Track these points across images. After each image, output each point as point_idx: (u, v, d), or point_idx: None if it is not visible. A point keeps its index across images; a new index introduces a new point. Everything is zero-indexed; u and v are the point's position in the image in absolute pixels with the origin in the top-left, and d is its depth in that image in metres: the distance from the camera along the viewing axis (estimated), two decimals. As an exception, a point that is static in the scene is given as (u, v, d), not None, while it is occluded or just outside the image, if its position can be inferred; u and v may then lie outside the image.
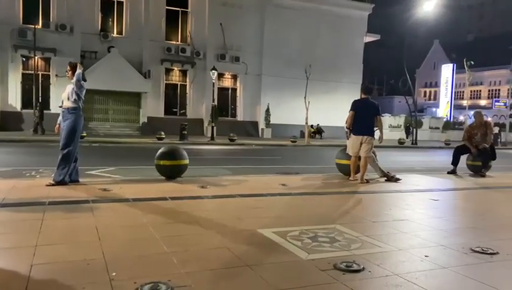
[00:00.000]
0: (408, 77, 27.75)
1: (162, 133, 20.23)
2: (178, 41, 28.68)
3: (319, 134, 29.89)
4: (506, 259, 3.19)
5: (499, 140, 28.57)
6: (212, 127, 22.22)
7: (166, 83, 28.71)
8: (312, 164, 13.23)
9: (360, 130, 7.33)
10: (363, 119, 7.32)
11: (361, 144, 7.32)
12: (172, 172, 6.87)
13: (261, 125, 30.06)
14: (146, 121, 27.22)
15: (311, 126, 26.97)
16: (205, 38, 28.57)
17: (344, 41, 31.82)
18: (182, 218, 4.26)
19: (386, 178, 7.62)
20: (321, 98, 26.79)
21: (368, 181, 7.39)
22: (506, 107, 42.76)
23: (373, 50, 42.70)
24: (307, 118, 22.96)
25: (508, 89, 47.86)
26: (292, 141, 22.39)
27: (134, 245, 3.29)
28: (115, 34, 27.00)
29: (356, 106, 7.41)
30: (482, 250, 3.35)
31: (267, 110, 29.51)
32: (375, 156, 8.00)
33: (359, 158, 7.42)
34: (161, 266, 2.80)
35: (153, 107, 27.67)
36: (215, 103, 23.56)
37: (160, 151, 6.95)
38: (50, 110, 23.93)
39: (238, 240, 3.49)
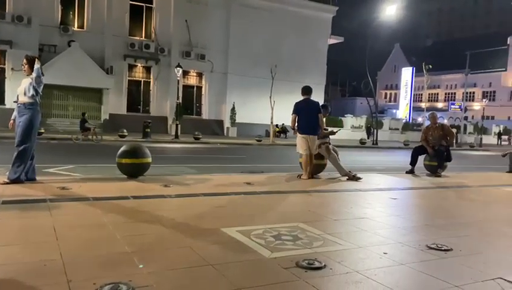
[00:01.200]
0: (370, 79, 28.54)
1: (125, 130, 19.78)
2: (142, 37, 28.13)
3: (284, 133, 30.19)
4: (459, 255, 3.35)
5: (456, 141, 29.90)
6: (177, 125, 21.95)
7: (129, 79, 28.08)
8: (277, 162, 13.35)
9: (305, 129, 7.58)
10: (306, 119, 7.56)
11: (308, 142, 7.55)
12: (134, 170, 6.73)
13: (227, 124, 30.00)
14: (108, 118, 26.52)
15: (276, 125, 27.22)
16: (170, 35, 28.17)
17: (309, 42, 32.28)
18: (144, 217, 4.19)
19: (347, 177, 7.81)
20: (286, 97, 26.89)
21: (313, 177, 7.62)
22: (461, 110, 44.85)
23: (337, 52, 43.58)
24: (272, 118, 23.15)
25: (463, 93, 50.24)
26: (257, 140, 22.50)
27: (94, 245, 3.20)
28: (75, 28, 26.12)
29: (298, 107, 7.63)
30: (437, 247, 3.49)
31: (233, 109, 29.48)
32: (338, 156, 8.19)
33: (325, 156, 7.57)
34: (122, 266, 2.74)
35: (115, 103, 26.99)
36: (180, 100, 23.29)
37: (122, 149, 6.79)
38: (5, 105, 22.84)
39: (201, 239, 3.46)
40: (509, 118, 53.47)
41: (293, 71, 29.94)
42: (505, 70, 59.36)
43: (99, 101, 26.93)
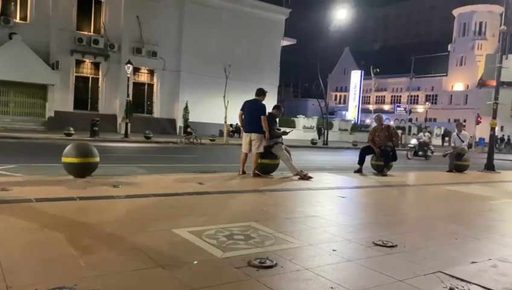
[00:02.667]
0: (321, 81, 29.24)
1: (71, 128, 18.93)
2: (90, 32, 27.05)
3: (238, 133, 30.22)
4: (403, 251, 3.51)
5: (400, 142, 31.31)
6: (126, 124, 21.33)
7: (76, 76, 26.90)
8: (230, 162, 13.32)
9: (248, 127, 7.87)
10: (249, 118, 7.82)
11: (251, 141, 7.77)
12: (81, 170, 6.46)
13: (179, 122, 29.56)
14: (53, 115, 25.26)
15: (231, 125, 27.20)
16: (120, 31, 27.32)
17: (263, 43, 32.55)
18: (92, 219, 4.03)
19: (299, 176, 7.95)
20: (240, 97, 26.62)
21: (259, 175, 7.80)
22: (406, 112, 47.06)
23: (290, 53, 44.25)
24: (226, 117, 23.09)
25: (408, 96, 52.73)
26: (211, 140, 22.36)
27: (36, 249, 3.04)
28: (17, 20, 24.64)
29: (244, 105, 7.94)
30: (383, 243, 3.65)
31: (186, 108, 29.11)
32: (290, 156, 8.32)
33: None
34: (67, 270, 2.63)
35: (61, 100, 25.75)
36: (130, 98, 22.65)
37: (68, 147, 6.50)
38: None
39: (151, 240, 3.39)
40: (449, 120, 56.73)
41: (247, 71, 30.05)
42: (446, 75, 62.97)
43: (43, 98, 25.57)
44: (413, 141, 20.19)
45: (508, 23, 13.35)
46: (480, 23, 60.13)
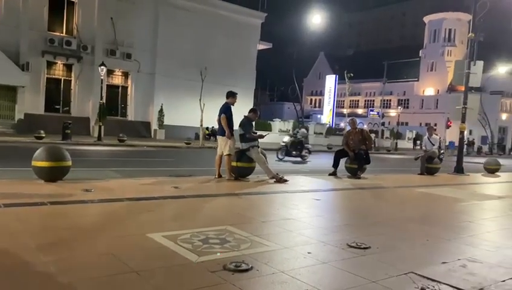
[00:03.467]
0: (296, 85, 29.53)
1: (42, 131, 18.40)
2: (63, 33, 26.39)
3: (214, 136, 30.08)
4: (376, 252, 3.57)
5: (374, 146, 31.88)
6: (100, 127, 20.91)
7: (48, 77, 26.15)
8: (206, 166, 13.24)
9: (218, 130, 8.07)
10: (219, 121, 7.95)
11: (220, 143, 7.93)
12: (52, 174, 6.29)
13: (154, 126, 29.18)
14: (23, 118, 24.49)
15: (206, 128, 27.04)
16: (94, 32, 26.79)
17: (239, 46, 32.58)
18: (63, 224, 3.93)
19: (275, 179, 7.98)
20: (216, 100, 26.49)
21: (235, 178, 7.81)
22: (379, 116, 48.01)
23: (266, 57, 44.45)
24: (201, 120, 22.95)
25: (381, 100, 53.80)
26: (186, 143, 22.17)
27: (4, 256, 2.93)
28: (-15, 19, 23.84)
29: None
30: (357, 245, 3.70)
31: (161, 111, 28.76)
32: (266, 159, 8.35)
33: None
34: (36, 277, 2.55)
35: (31, 103, 24.99)
36: (104, 100, 22.21)
37: (38, 151, 6.32)
38: None
39: (125, 245, 3.34)
40: (420, 124, 58.09)
41: (223, 74, 29.97)
42: (417, 80, 64.56)
43: (12, 100, 24.75)
44: (286, 139, 17.15)
45: (476, 30, 13.82)
46: (450, 30, 62.00)
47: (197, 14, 30.20)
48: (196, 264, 2.96)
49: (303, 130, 19.36)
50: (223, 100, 8.22)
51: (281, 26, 59.81)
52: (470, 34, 13.94)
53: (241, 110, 8.47)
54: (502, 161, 16.86)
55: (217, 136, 8.24)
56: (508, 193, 9.33)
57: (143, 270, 2.77)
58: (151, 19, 28.97)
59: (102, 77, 21.73)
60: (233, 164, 8.04)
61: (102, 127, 20.95)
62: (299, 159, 16.58)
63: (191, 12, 29.95)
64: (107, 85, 26.23)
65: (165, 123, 28.82)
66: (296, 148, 16.69)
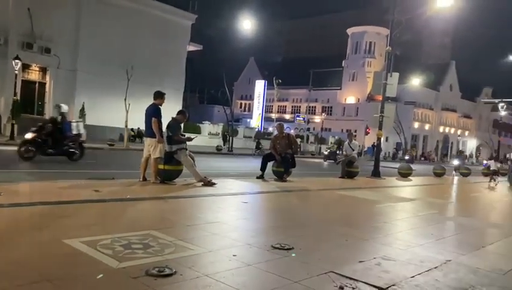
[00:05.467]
0: (227, 88, 29.61)
1: None
2: (-29, 21, 24.00)
3: (140, 138, 29.09)
4: (298, 253, 3.68)
5: (299, 150, 32.93)
6: (12, 125, 19.27)
7: (-49, 70, 23.60)
8: (131, 168, 12.74)
9: (145, 132, 7.88)
10: (145, 122, 7.75)
11: (147, 145, 7.71)
12: (-47, 176, 5.64)
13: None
14: None
15: (132, 129, 26.10)
16: (8, 23, 24.62)
17: (168, 47, 31.89)
18: (-36, 231, 3.55)
19: (203, 183, 7.91)
20: (143, 101, 25.57)
21: (160, 182, 7.65)
22: (304, 122, 49.77)
23: (196, 59, 44.08)
24: (126, 121, 22.09)
25: (307, 106, 55.83)
26: (110, 144, 21.21)
27: None
28: None
29: (145, 111, 7.83)
30: (281, 246, 3.78)
31: (82, 110, 27.21)
32: (194, 162, 8.25)
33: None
34: None
35: None
36: (18, 97, 20.52)
37: None
38: None
39: (38, 252, 3.10)
40: (342, 130, 61.14)
41: (151, 74, 29.13)
42: (340, 88, 68.02)
43: None
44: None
45: (393, 44, 14.91)
46: (370, 43, 66.18)
47: (124, 10, 29.09)
48: (117, 271, 2.84)
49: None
50: (150, 101, 7.99)
51: (212, 29, 59.54)
52: (387, 48, 15.02)
53: (169, 112, 8.27)
54: (413, 166, 18.28)
55: (144, 138, 7.94)
56: (418, 196, 10.14)
57: (57, 278, 2.59)
58: (73, 12, 27.35)
59: (16, 72, 20.09)
60: (160, 166, 7.83)
61: (16, 126, 19.34)
62: None
63: (118, 8, 28.77)
64: (22, 80, 24.27)
65: (86, 123, 27.28)
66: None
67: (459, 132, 71.40)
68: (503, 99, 39.85)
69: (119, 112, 23.11)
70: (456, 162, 28.32)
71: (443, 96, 66.88)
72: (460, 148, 68.17)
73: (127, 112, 21.65)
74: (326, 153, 26.90)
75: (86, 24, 27.57)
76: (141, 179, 7.73)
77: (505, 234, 5.51)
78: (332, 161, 22.06)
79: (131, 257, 3.15)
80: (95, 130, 27.21)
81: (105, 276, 2.74)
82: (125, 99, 21.73)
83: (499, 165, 18.53)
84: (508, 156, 56.81)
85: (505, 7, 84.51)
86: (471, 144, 73.83)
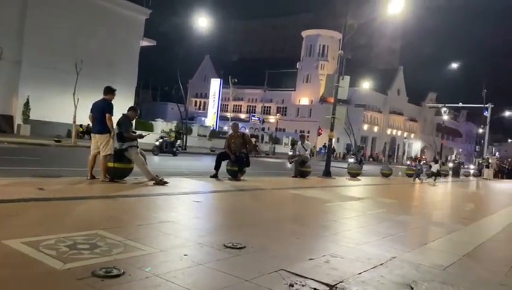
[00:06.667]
0: (181, 85, 29.19)
1: None
2: None
3: (89, 134, 28.02)
4: (250, 252, 3.70)
5: (258, 150, 33.12)
6: None
7: None
8: (79, 166, 12.25)
9: (94, 128, 7.61)
10: (96, 118, 7.53)
11: (96, 142, 7.49)
12: None
13: (18, 120, 26.03)
14: None
15: (80, 126, 25.08)
16: None
17: (120, 41, 30.94)
18: None
19: (154, 182, 7.75)
20: (93, 96, 24.55)
21: (110, 180, 7.45)
22: (259, 122, 50.16)
23: (150, 55, 43.10)
24: (75, 117, 21.19)
25: (262, 107, 56.25)
26: (56, 141, 20.27)
27: None
28: None
29: (92, 106, 7.62)
30: (233, 245, 3.78)
31: (27, 104, 25.80)
32: (145, 160, 8.06)
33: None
34: None
35: None
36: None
37: None
38: None
39: (-27, 255, 2.90)
40: (296, 131, 62.22)
41: (102, 69, 28.12)
42: (294, 90, 69.21)
43: None
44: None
45: (345, 48, 15.36)
46: (324, 46, 67.79)
47: (74, 2, 27.91)
48: (61, 272, 2.71)
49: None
50: (100, 96, 7.71)
51: (167, 25, 58.53)
52: (339, 52, 15.45)
53: (120, 108, 8.00)
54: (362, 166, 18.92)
55: (93, 135, 7.63)
56: (366, 195, 10.51)
57: (-6, 282, 2.44)
58: (18, 0, 25.88)
59: (-48, 61, 18.67)
60: (110, 164, 7.58)
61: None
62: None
63: (68, -1, 27.55)
64: (-42, 71, 22.68)
65: (31, 118, 25.95)
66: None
67: (405, 134, 74.92)
68: (446, 104, 42.36)
69: (67, 107, 22.12)
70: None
71: (391, 100, 69.83)
72: (405, 151, 71.48)
73: (76, 107, 20.75)
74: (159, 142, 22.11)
75: (32, 14, 26.17)
76: (89, 177, 7.46)
77: (446, 232, 5.84)
78: (170, 154, 21.36)
79: (76, 257, 3.02)
80: (41, 126, 25.94)
81: (49, 278, 2.61)
82: (74, 94, 20.83)
83: (437, 165, 19.73)
84: (449, 158, 60.31)
85: (449, 18, 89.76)
86: (416, 146, 77.64)
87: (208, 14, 26.66)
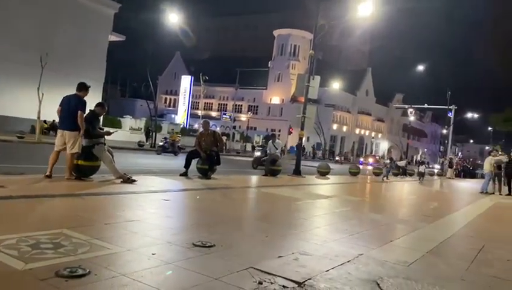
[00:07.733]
0: (151, 82, 28.70)
1: None
2: None
3: (54, 130, 27.14)
4: (219, 250, 3.69)
5: (225, 148, 33.02)
6: None
7: None
8: (43, 163, 11.84)
9: (62, 124, 7.35)
10: (65, 114, 7.29)
11: (63, 138, 7.28)
12: None
13: (-24, 115, 24.93)
14: None
15: (45, 121, 24.27)
16: None
17: (88, 35, 30.13)
18: None
19: (122, 180, 7.60)
20: (59, 91, 23.74)
21: (76, 178, 7.26)
22: (230, 120, 50.05)
23: (119, 50, 42.19)
24: (39, 112, 20.47)
25: (233, 105, 56.16)
26: (19, 137, 19.54)
27: None
28: None
29: (62, 101, 7.37)
30: (202, 244, 3.76)
31: (-14, 98, 24.75)
32: (113, 157, 7.89)
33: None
34: None
35: None
36: None
37: None
38: None
39: None
40: (267, 129, 62.47)
41: (68, 63, 27.30)
42: (266, 88, 69.45)
43: None
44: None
45: (315, 49, 15.54)
46: (295, 46, 68.33)
47: (39, -7, 26.95)
48: (22, 273, 2.62)
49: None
50: (66, 91, 7.50)
51: (137, 20, 57.33)
52: (310, 52, 15.62)
53: (87, 104, 7.79)
54: (331, 165, 19.24)
55: (60, 131, 7.36)
56: (335, 193, 10.68)
57: (-50, 284, 2.33)
58: (-22, -12, 24.76)
59: None
60: (75, 162, 7.37)
61: None
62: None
63: (32, -11, 26.57)
64: None
65: (-9, 112, 24.88)
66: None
67: (373, 134, 76.67)
68: (412, 106, 43.61)
69: (31, 101, 21.33)
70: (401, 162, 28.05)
71: (360, 101, 71.28)
72: (373, 150, 73.11)
73: (40, 102, 20.07)
74: (161, 142, 23.78)
75: (-7, 3, 25.08)
76: (48, 174, 7.13)
77: (410, 229, 6.01)
78: (172, 153, 22.80)
79: (39, 257, 2.93)
80: (2, 121, 24.90)
81: (9, 279, 2.52)
82: (38, 89, 20.11)
83: (403, 163, 20.52)
84: (415, 157, 62.17)
85: (417, 21, 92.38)
86: (383, 146, 79.60)
87: (178, 10, 26.32)
